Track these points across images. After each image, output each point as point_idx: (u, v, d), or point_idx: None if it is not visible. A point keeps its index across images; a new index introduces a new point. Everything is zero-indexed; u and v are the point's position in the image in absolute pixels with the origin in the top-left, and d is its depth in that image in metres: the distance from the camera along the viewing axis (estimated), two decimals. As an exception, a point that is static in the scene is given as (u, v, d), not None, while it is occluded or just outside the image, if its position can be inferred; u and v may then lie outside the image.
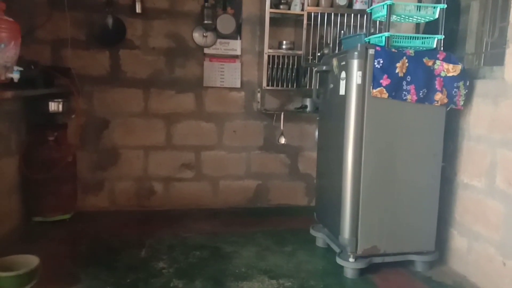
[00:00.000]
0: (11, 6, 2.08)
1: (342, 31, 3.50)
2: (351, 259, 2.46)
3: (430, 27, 2.68)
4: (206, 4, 3.49)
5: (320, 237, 2.94)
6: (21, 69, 2.00)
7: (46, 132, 3.14)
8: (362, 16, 3.45)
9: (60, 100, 3.14)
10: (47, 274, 2.25)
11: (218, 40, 3.62)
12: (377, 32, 3.18)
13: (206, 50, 3.62)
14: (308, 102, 3.57)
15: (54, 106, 3.13)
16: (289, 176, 3.90)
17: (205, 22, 3.49)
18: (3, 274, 2.04)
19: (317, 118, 3.16)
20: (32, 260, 2.15)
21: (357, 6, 3.47)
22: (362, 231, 2.46)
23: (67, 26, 3.26)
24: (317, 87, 2.89)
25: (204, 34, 3.58)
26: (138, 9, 3.39)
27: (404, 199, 2.50)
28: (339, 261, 2.52)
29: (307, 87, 3.53)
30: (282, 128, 3.62)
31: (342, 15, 3.47)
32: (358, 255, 2.47)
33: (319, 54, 3.51)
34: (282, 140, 3.65)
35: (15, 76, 1.98)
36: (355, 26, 3.51)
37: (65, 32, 3.29)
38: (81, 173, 3.51)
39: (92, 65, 3.46)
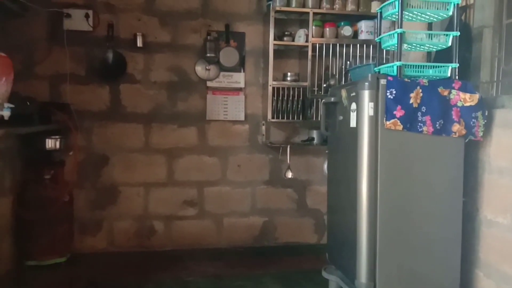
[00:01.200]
0: (8, 41, 2.00)
1: (348, 62, 3.44)
2: (369, 306, 2.25)
3: (441, 56, 2.58)
4: (208, 37, 3.45)
5: (334, 280, 2.72)
6: (11, 106, 1.89)
7: (42, 170, 3.04)
8: (367, 46, 3.40)
9: (57, 137, 3.05)
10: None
11: (221, 73, 3.56)
12: (384, 62, 3.10)
13: (209, 83, 3.55)
14: (315, 134, 3.46)
15: (51, 143, 3.04)
16: (297, 212, 3.73)
17: (208, 55, 3.44)
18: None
19: (326, 151, 3.03)
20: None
21: (363, 36, 3.43)
22: (380, 275, 2.26)
23: (66, 61, 3.21)
24: (325, 119, 2.77)
25: (207, 67, 3.52)
26: (139, 43, 3.35)
27: (424, 238, 2.31)
28: (356, 308, 2.31)
29: (313, 119, 3.44)
30: (288, 161, 3.49)
31: (348, 46, 3.43)
32: (377, 302, 2.26)
33: (325, 85, 3.44)
34: (289, 174, 3.52)
35: (6, 113, 1.87)
36: (360, 57, 3.45)
37: (64, 67, 3.24)
38: (78, 212, 3.36)
39: (92, 100, 3.38)
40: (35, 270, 2.97)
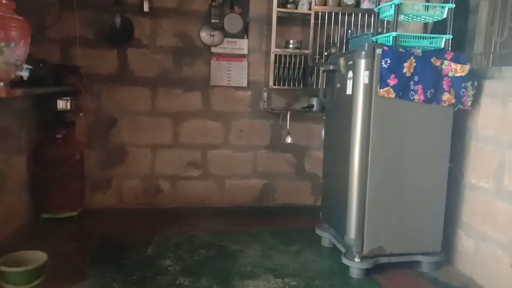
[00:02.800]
0: (21, 5, 2.10)
1: (350, 31, 3.49)
2: (357, 259, 2.46)
3: (438, 27, 2.66)
4: (213, 3, 3.49)
5: (326, 237, 2.94)
6: (30, 67, 2.02)
7: (55, 130, 3.17)
8: (369, 16, 3.44)
9: (68, 98, 3.17)
10: (55, 270, 2.28)
11: (225, 39, 3.63)
12: (385, 31, 3.17)
13: (213, 49, 3.63)
14: (314, 101, 3.56)
15: (62, 104, 3.16)
16: (295, 175, 3.90)
17: (212, 21, 3.49)
18: (12, 269, 2.07)
19: (324, 118, 3.16)
20: (40, 256, 2.18)
21: (365, 5, 3.46)
22: (368, 231, 2.45)
23: (76, 25, 3.28)
24: (324, 87, 2.88)
25: (211, 33, 3.59)
26: (146, 8, 3.41)
27: (410, 199, 2.49)
28: (344, 261, 2.52)
29: (314, 86, 3.53)
30: (288, 127, 3.62)
31: (350, 15, 3.46)
32: (364, 255, 2.47)
33: (326, 53, 3.51)
34: (289, 140, 3.65)
35: (25, 74, 2.00)
36: (362, 26, 3.50)
37: (74, 31, 3.31)
38: (89, 171, 3.54)
39: (100, 64, 3.49)
40: (49, 222, 3.17)
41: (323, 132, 3.28)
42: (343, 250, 2.63)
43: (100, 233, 3.05)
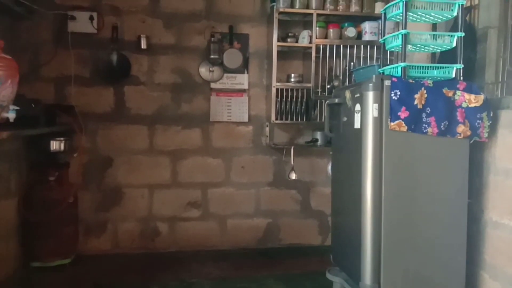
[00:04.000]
0: (13, 43, 2.01)
1: (352, 63, 3.43)
2: (374, 308, 2.24)
3: (445, 57, 2.56)
4: (212, 39, 3.46)
5: (338, 282, 2.71)
6: (17, 108, 1.91)
7: (47, 172, 3.06)
8: (371, 47, 3.40)
9: (62, 138, 3.07)
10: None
11: (225, 75, 3.56)
12: (389, 63, 3.09)
13: (212, 85, 3.56)
14: (319, 135, 3.46)
15: (56, 145, 3.06)
16: (301, 213, 3.72)
17: (212, 56, 3.45)
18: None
19: (330, 153, 3.03)
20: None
21: (367, 37, 3.42)
22: (385, 277, 2.25)
23: (71, 63, 3.23)
24: (329, 120, 2.76)
25: (211, 69, 3.52)
26: (143, 45, 3.36)
27: (429, 239, 2.30)
28: (360, 310, 2.30)
29: (317, 120, 3.44)
30: (292, 163, 3.49)
31: (351, 47, 3.42)
32: (382, 304, 2.25)
33: (328, 86, 3.44)
34: (293, 176, 3.51)
35: (11, 115, 1.88)
36: (364, 58, 3.45)
37: (69, 70, 3.26)
38: (83, 214, 3.37)
39: (96, 102, 3.40)
40: (40, 271, 2.99)
41: (329, 167, 3.15)
42: (357, 297, 2.41)
43: (94, 282, 2.87)
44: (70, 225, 3.20)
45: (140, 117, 3.47)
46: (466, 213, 2.35)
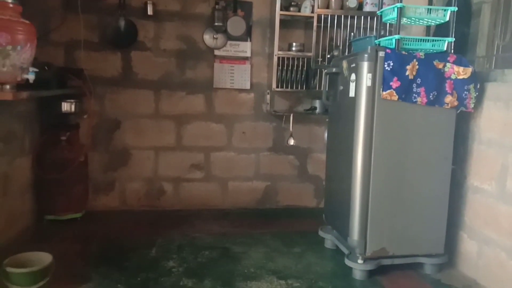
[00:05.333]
0: (26, 8, 2.12)
1: (352, 33, 3.51)
2: (359, 261, 2.46)
3: (441, 30, 2.67)
4: (216, 6, 3.52)
5: (329, 239, 2.94)
6: (36, 70, 2.04)
7: (59, 132, 3.19)
8: (372, 18, 3.46)
9: (72, 100, 3.18)
10: (59, 272, 2.28)
11: (228, 42, 3.65)
12: (387, 34, 3.19)
13: (216, 52, 3.66)
14: (317, 104, 3.58)
15: (66, 107, 3.17)
16: (298, 177, 3.91)
17: (216, 24, 3.52)
18: (17, 270, 2.08)
19: (327, 120, 3.17)
20: (45, 258, 2.19)
21: (367, 8, 3.48)
22: (371, 233, 2.46)
23: (81, 28, 3.30)
24: (327, 89, 2.89)
25: (215, 36, 3.61)
26: (150, 11, 3.43)
27: (413, 201, 2.49)
28: (347, 262, 2.53)
29: (317, 89, 3.54)
30: (291, 129, 3.63)
31: (352, 17, 3.48)
32: (367, 257, 2.47)
33: (329, 56, 3.53)
34: (291, 142, 3.66)
35: (31, 77, 2.02)
36: (365, 28, 3.51)
37: (78, 34, 3.34)
38: (92, 173, 3.56)
39: (104, 67, 3.51)
40: (53, 224, 3.18)
41: (325, 135, 3.29)
42: (346, 252, 2.63)
43: (103, 236, 3.06)
44: (81, 183, 3.37)
45: (146, 82, 3.59)
46: (450, 178, 2.53)
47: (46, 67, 2.75)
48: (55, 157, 3.17)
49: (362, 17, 3.48)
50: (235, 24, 3.57)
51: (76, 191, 3.31)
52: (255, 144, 3.82)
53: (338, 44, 3.55)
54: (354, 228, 2.47)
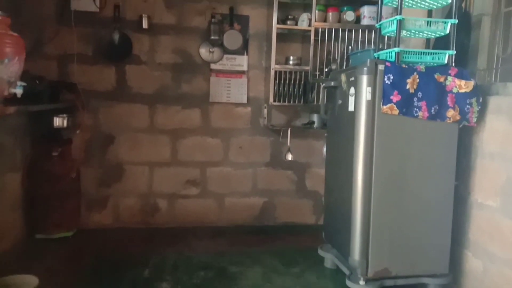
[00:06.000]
0: (19, 21, 2.07)
1: (350, 47, 3.48)
2: (361, 282, 2.36)
3: (440, 43, 2.63)
4: (213, 20, 3.49)
5: (329, 258, 2.85)
6: (24, 84, 1.98)
7: (51, 147, 3.12)
8: (370, 32, 3.43)
9: (65, 115, 3.12)
10: (47, 294, 2.19)
11: (225, 56, 3.61)
12: (386, 47, 3.15)
13: (212, 66, 3.61)
14: (315, 118, 3.52)
15: (58, 122, 3.11)
16: (296, 193, 3.83)
17: (212, 37, 3.49)
18: (1, 295, 1.98)
19: (325, 134, 3.11)
20: (31, 281, 2.09)
21: (365, 21, 3.45)
22: (373, 253, 2.37)
23: (74, 41, 3.27)
24: (325, 103, 2.84)
25: (211, 49, 3.57)
26: (145, 24, 3.40)
27: (416, 219, 2.41)
28: (349, 283, 2.43)
29: (315, 102, 3.50)
30: (289, 144, 3.57)
31: (350, 31, 3.46)
32: (369, 278, 2.37)
33: (326, 69, 3.49)
34: (289, 157, 3.60)
35: (18, 91, 1.96)
36: (362, 42, 3.49)
37: (72, 48, 3.30)
38: (85, 189, 3.47)
39: (98, 80, 3.45)
40: (43, 242, 3.08)
41: (324, 149, 3.22)
42: (347, 272, 2.53)
43: (95, 254, 2.96)
44: (73, 199, 3.29)
45: (141, 96, 3.53)
46: (453, 194, 2.46)
47: (37, 81, 2.69)
48: (47, 173, 3.10)
49: (360, 30, 3.46)
50: (232, 38, 3.54)
51: (68, 207, 3.24)
52: (252, 159, 3.74)
53: (336, 57, 3.52)
54: (355, 247, 2.38)
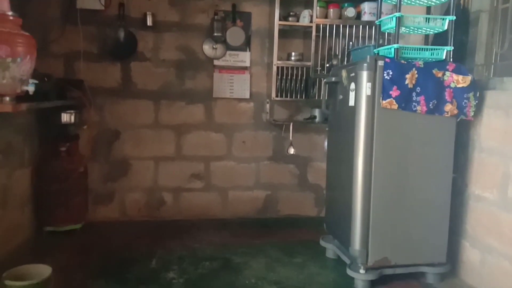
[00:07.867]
0: (26, 20, 2.13)
1: (351, 43, 3.52)
2: (361, 271, 2.44)
3: (439, 39, 2.69)
4: (216, 17, 3.55)
5: (330, 248, 2.93)
6: (36, 82, 2.04)
7: (58, 144, 3.18)
8: (370, 28, 3.48)
9: (72, 111, 3.18)
10: (59, 285, 2.27)
11: (228, 52, 3.66)
12: (386, 43, 3.20)
13: (215, 62, 3.67)
14: (317, 112, 3.59)
15: (66, 118, 3.16)
16: (298, 186, 3.90)
17: (215, 34, 3.54)
18: (16, 283, 2.06)
19: (326, 129, 3.17)
20: (44, 270, 2.17)
21: (366, 17, 3.50)
22: (372, 243, 2.44)
23: (80, 39, 3.33)
24: (326, 98, 2.90)
25: (214, 46, 3.63)
26: (149, 22, 3.45)
27: (415, 210, 2.48)
28: (349, 272, 2.51)
29: (316, 98, 3.55)
30: (291, 138, 3.63)
31: (351, 27, 3.50)
32: (369, 267, 2.45)
33: (327, 65, 3.54)
34: (291, 151, 3.66)
35: (30, 89, 2.02)
36: (363, 38, 3.53)
37: (77, 46, 3.36)
38: (92, 184, 3.54)
39: (104, 78, 3.52)
40: (53, 235, 3.16)
41: (325, 143, 3.29)
42: (347, 261, 2.61)
43: (103, 247, 3.04)
44: (80, 194, 3.35)
45: (146, 93, 3.60)
46: (451, 186, 2.52)
47: (45, 79, 2.75)
48: (55, 169, 3.16)
49: (361, 26, 3.50)
50: (234, 34, 3.60)
51: (75, 202, 3.29)
52: (255, 153, 3.81)
53: (337, 53, 3.57)
54: (355, 237, 2.45)
